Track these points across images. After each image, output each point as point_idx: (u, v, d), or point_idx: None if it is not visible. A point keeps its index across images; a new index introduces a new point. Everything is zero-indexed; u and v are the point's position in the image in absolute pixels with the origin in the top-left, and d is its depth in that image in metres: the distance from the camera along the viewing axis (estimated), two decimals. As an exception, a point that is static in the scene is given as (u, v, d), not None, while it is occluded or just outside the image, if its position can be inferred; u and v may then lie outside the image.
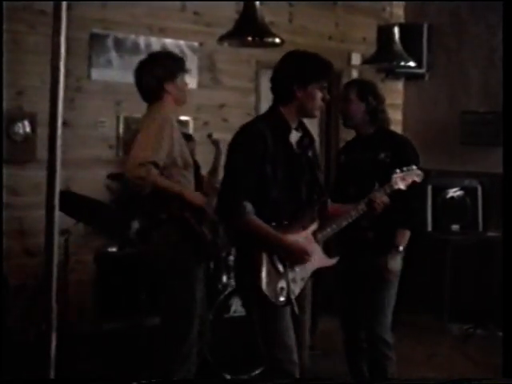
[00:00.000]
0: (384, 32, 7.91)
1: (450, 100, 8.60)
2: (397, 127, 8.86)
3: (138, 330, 5.78)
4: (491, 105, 8.15)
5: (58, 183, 2.37)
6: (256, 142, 3.84)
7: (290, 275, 3.86)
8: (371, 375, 5.00)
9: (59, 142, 2.36)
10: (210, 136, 5.38)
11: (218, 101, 7.57)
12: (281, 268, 3.83)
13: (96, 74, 6.80)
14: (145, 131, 4.53)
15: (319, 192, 4.10)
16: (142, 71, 4.77)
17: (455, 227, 7.83)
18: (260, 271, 3.75)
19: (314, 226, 4.00)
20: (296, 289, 3.90)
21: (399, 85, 9.13)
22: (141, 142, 4.46)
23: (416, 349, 6.88)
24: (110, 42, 6.87)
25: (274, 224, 3.84)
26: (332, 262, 4.13)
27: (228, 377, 5.78)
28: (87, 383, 4.15)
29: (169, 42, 7.24)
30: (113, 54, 6.84)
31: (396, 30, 7.51)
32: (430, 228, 7.71)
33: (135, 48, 7.00)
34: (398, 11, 8.87)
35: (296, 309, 3.95)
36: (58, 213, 2.39)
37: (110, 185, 6.60)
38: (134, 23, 7.01)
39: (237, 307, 5.94)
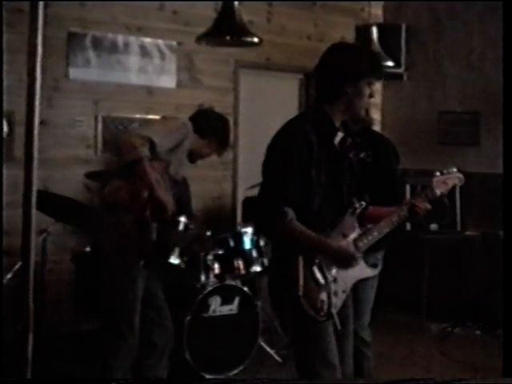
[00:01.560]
0: (362, 32, 7.94)
1: (427, 100, 8.64)
2: (375, 126, 8.87)
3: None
4: (468, 105, 8.19)
5: (35, 182, 2.34)
6: (301, 144, 3.53)
7: (331, 288, 3.60)
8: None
9: (36, 141, 2.33)
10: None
11: (196, 100, 7.54)
12: (321, 280, 3.56)
13: (74, 73, 6.76)
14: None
15: (360, 197, 3.81)
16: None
17: (433, 226, 7.86)
18: (299, 283, 3.48)
19: (355, 234, 3.73)
20: (338, 302, 3.64)
21: (377, 84, 9.13)
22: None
23: (394, 347, 6.90)
24: (88, 41, 6.83)
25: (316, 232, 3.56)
26: (374, 272, 3.92)
27: (207, 376, 5.77)
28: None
29: (147, 41, 7.21)
30: (91, 53, 6.80)
31: (374, 30, 7.55)
32: (408, 227, 7.73)
33: (113, 47, 6.97)
34: (377, 11, 8.90)
35: (338, 324, 3.66)
36: (35, 212, 2.36)
37: (88, 184, 6.56)
38: (112, 22, 6.98)
39: (215, 307, 5.93)
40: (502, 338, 3.60)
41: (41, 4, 2.34)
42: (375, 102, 9.07)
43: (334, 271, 3.61)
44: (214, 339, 5.91)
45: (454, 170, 4.09)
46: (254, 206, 3.82)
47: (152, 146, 4.36)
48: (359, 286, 4.31)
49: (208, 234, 6.17)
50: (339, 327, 3.70)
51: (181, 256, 5.72)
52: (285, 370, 6.00)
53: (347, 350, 3.92)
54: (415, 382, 4.06)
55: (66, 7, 6.61)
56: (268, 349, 6.37)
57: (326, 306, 3.56)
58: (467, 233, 8.00)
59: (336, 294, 3.62)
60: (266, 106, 8.15)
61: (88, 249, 6.09)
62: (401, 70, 8.57)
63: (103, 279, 4.71)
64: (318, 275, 3.55)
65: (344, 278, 3.67)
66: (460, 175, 4.10)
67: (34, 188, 2.35)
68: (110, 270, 4.61)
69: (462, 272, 7.91)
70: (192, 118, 5.04)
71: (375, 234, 3.78)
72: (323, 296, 3.56)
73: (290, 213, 3.47)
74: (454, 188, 7.59)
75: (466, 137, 8.23)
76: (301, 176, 3.51)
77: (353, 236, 3.71)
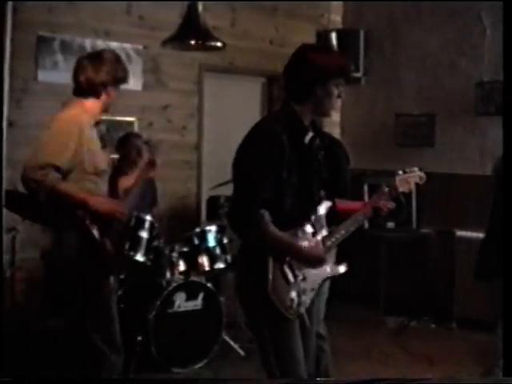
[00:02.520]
0: (322, 37, 7.99)
1: (385, 103, 8.69)
2: (335, 129, 8.93)
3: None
4: (424, 107, 8.25)
5: (3, 182, 2.33)
6: (273, 145, 3.46)
7: (301, 286, 3.55)
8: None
9: (5, 142, 2.32)
10: (147, 142, 5.19)
11: (162, 102, 7.54)
12: (291, 279, 3.52)
13: (42, 75, 6.73)
14: (48, 132, 4.11)
15: (328, 195, 3.77)
16: (87, 65, 4.30)
17: (390, 224, 7.91)
18: (269, 282, 3.44)
19: (324, 232, 3.68)
20: (307, 300, 3.59)
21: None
22: (43, 143, 4.05)
23: (353, 341, 6.94)
24: (56, 45, 6.79)
25: (287, 231, 3.52)
26: (342, 270, 3.78)
27: (174, 370, 5.79)
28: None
29: (114, 44, 7.18)
30: (59, 57, 6.77)
31: (334, 35, 7.60)
32: (366, 225, 7.76)
33: (81, 50, 6.88)
34: (336, 18, 8.95)
35: (307, 321, 3.69)
36: (3, 211, 2.36)
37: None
38: (80, 26, 6.95)
39: (180, 302, 5.94)
40: (502, 337, 3.56)
41: (9, 7, 2.34)
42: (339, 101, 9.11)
43: (303, 270, 3.57)
44: (179, 334, 5.91)
45: (416, 169, 4.11)
46: (230, 207, 3.75)
47: (56, 167, 3.97)
48: None
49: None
50: (308, 324, 3.72)
51: (146, 254, 5.73)
52: (248, 363, 6.02)
53: (311, 347, 3.90)
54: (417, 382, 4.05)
55: (35, 11, 6.57)
56: (231, 343, 6.39)
57: (295, 304, 3.52)
58: (422, 230, 8.06)
59: (305, 292, 3.57)
60: (230, 109, 8.16)
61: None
62: (359, 75, 8.61)
63: (75, 289, 4.28)
64: (288, 274, 3.52)
65: (313, 277, 3.64)
66: (421, 174, 4.12)
67: (3, 187, 2.35)
68: (72, 274, 4.22)
69: (418, 268, 7.97)
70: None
71: (342, 232, 3.76)
72: (292, 294, 3.52)
73: (266, 216, 3.42)
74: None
75: (422, 138, 8.29)
76: (273, 176, 3.45)
77: (322, 234, 3.67)
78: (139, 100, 7.34)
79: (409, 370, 6.13)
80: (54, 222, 4.23)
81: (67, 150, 4.00)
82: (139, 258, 5.74)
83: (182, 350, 5.91)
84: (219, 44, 6.10)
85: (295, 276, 3.54)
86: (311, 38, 8.24)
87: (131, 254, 5.70)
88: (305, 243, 3.58)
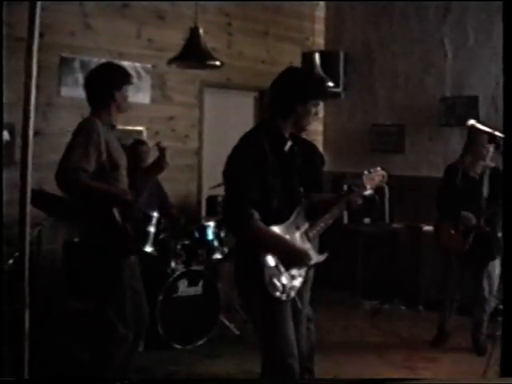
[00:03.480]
0: (307, 57, 7.99)
1: (362, 114, 8.71)
2: (318, 137, 8.95)
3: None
4: (395, 118, 8.29)
5: (29, 183, 2.35)
6: (257, 153, 3.51)
7: (291, 272, 3.56)
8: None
9: (31, 148, 2.34)
10: (158, 144, 5.16)
11: (167, 114, 7.54)
12: (282, 267, 3.52)
13: (65, 91, 6.74)
14: (73, 138, 4.18)
15: (307, 192, 3.84)
16: (90, 79, 4.38)
17: (366, 220, 7.93)
18: (263, 272, 3.45)
19: (306, 226, 3.70)
20: (296, 284, 3.60)
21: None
22: (70, 149, 4.11)
23: (334, 321, 6.95)
24: (76, 65, 6.81)
25: (275, 228, 3.56)
26: (323, 257, 3.77)
27: (177, 346, 5.79)
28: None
29: (126, 64, 7.17)
30: (79, 75, 6.77)
31: (317, 56, 7.59)
32: (345, 221, 7.79)
33: (98, 69, 6.98)
34: (319, 40, 8.97)
35: (299, 303, 3.76)
36: (30, 208, 2.37)
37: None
38: (97, 48, 6.95)
39: (183, 288, 5.95)
40: (502, 337, 3.56)
41: (36, 33, 2.35)
42: (318, 117, 9.14)
43: None
44: (182, 315, 5.92)
45: (378, 169, 4.17)
46: (224, 208, 3.76)
47: (84, 168, 4.05)
48: None
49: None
50: (300, 306, 3.77)
51: (154, 245, 5.73)
52: (241, 341, 6.05)
53: (303, 327, 3.97)
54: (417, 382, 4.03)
55: (59, 36, 6.60)
56: (227, 323, 6.40)
57: (287, 289, 3.54)
58: (394, 225, 8.08)
59: (294, 277, 3.58)
60: (226, 119, 8.16)
61: (76, 239, 6.07)
62: (339, 90, 8.63)
63: (92, 269, 4.33)
64: (279, 263, 3.53)
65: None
66: (383, 172, 4.19)
67: (29, 188, 2.36)
68: (98, 260, 4.22)
69: (390, 258, 7.99)
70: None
71: (322, 224, 3.78)
72: (284, 280, 3.52)
73: (255, 214, 3.45)
74: (383, 188, 7.74)
75: (393, 145, 8.32)
76: (259, 180, 3.49)
77: (304, 228, 3.69)
78: (147, 112, 7.34)
79: (381, 346, 6.16)
80: (82, 214, 4.29)
81: (90, 155, 4.08)
82: (148, 249, 5.75)
83: (185, 329, 5.92)
84: (218, 63, 6.11)
85: (285, 264, 3.55)
86: (297, 58, 8.26)
87: (141, 246, 5.71)
88: (289, 236, 3.59)
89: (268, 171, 3.52)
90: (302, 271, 3.65)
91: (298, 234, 3.66)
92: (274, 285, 3.49)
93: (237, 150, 3.61)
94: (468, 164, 6.04)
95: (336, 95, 8.68)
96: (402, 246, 7.99)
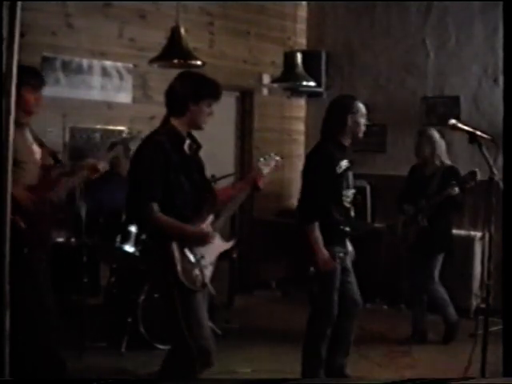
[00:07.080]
0: (289, 57, 7.98)
1: (343, 114, 8.72)
2: (300, 136, 8.98)
3: (81, 308, 5.72)
4: (377, 119, 8.30)
5: (9, 182, 2.34)
6: (158, 153, 3.72)
7: (201, 263, 3.79)
8: None
9: (11, 147, 2.33)
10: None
11: (149, 113, 7.51)
12: (192, 259, 3.75)
13: (46, 90, 6.68)
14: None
15: (208, 188, 4.07)
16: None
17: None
18: (176, 265, 3.68)
19: (210, 218, 3.90)
20: (208, 273, 3.85)
21: (302, 101, 9.23)
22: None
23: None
24: (58, 64, 6.80)
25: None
26: (229, 244, 4.08)
27: (160, 346, 5.77)
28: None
29: (108, 63, 7.20)
30: (60, 74, 6.77)
31: (299, 55, 7.59)
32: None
33: (79, 69, 6.96)
34: (301, 40, 9.00)
35: (212, 290, 3.97)
36: (9, 209, 2.36)
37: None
38: (78, 48, 6.94)
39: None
40: (502, 337, 3.59)
41: (17, 32, 2.35)
42: (300, 116, 9.17)
43: (201, 249, 3.80)
44: (164, 315, 5.91)
45: (272, 154, 4.34)
46: (126, 204, 3.88)
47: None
48: None
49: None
50: (214, 293, 4.02)
51: (135, 245, 5.73)
52: (223, 340, 6.03)
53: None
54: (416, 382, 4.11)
55: (40, 35, 6.58)
56: (209, 323, 6.37)
57: (199, 279, 3.77)
58: (376, 225, 8.11)
59: (206, 267, 3.82)
60: (208, 119, 8.15)
61: (61, 239, 6.05)
62: (321, 89, 8.65)
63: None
64: (190, 255, 3.75)
65: (209, 254, 3.87)
66: (278, 158, 4.35)
67: (9, 188, 2.35)
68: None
69: (372, 257, 8.02)
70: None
71: (226, 214, 4.05)
72: (196, 271, 3.76)
73: (155, 207, 3.67)
74: (365, 188, 7.77)
75: (375, 145, 8.35)
76: (161, 178, 3.70)
77: (209, 220, 3.89)
78: (129, 111, 7.34)
79: (365, 343, 6.18)
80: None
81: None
82: (129, 249, 5.76)
83: (166, 329, 5.91)
84: (199, 63, 6.10)
85: (195, 255, 3.77)
86: (279, 58, 8.27)
87: (122, 245, 5.72)
88: (193, 227, 3.80)
89: (170, 169, 3.72)
90: (213, 259, 3.90)
91: (203, 226, 3.84)
92: (188, 277, 3.72)
93: (139, 151, 3.83)
94: (425, 163, 6.30)
95: (318, 95, 8.70)
96: (383, 246, 8.02)
